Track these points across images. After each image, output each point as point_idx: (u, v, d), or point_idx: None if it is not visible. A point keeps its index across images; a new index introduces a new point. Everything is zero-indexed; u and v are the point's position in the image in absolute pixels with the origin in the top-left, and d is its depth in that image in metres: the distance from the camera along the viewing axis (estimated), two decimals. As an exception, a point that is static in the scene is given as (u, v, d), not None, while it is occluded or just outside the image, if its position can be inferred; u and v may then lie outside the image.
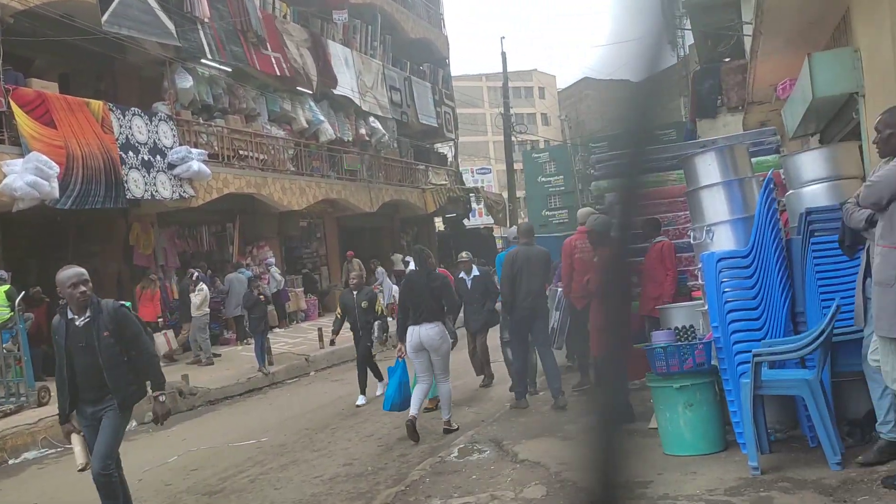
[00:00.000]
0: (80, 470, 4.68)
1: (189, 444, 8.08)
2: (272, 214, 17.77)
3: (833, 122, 7.82)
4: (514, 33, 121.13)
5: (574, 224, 10.19)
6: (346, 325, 9.45)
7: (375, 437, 7.30)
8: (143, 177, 12.90)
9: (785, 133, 9.48)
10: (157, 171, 13.25)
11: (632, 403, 6.13)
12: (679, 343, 4.96)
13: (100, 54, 13.44)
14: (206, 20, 15.14)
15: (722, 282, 4.82)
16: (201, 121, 15.44)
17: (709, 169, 5.37)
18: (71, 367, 4.61)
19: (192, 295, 13.01)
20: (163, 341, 13.64)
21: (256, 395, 11.08)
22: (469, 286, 9.19)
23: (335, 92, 19.97)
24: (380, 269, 19.04)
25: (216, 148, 15.32)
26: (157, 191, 13.13)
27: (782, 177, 6.01)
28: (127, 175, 12.51)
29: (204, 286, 13.15)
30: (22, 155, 10.67)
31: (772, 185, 5.03)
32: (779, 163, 6.68)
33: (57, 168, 10.89)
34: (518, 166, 34.13)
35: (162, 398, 4.83)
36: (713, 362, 4.84)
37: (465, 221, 29.67)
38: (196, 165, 13.59)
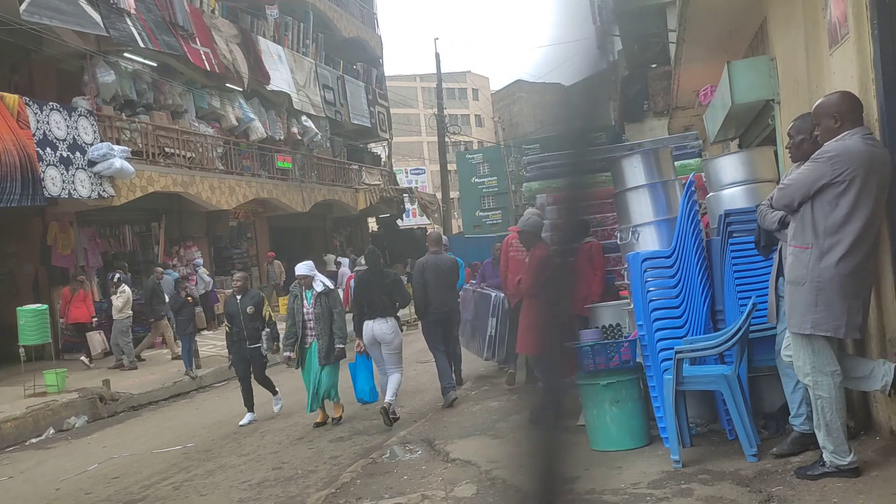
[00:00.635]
0: None
1: (110, 451, 7.79)
2: (200, 214, 17.32)
3: (751, 127, 8.13)
4: (449, 35, 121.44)
5: (507, 224, 10.34)
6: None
7: (306, 441, 7.20)
8: (62, 174, 12.36)
9: (707, 137, 9.81)
10: (77, 169, 12.71)
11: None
12: (606, 341, 5.08)
13: (14, 46, 12.79)
14: (133, 11, 14.64)
15: (647, 281, 4.96)
16: (124, 116, 14.91)
17: (635, 172, 5.51)
18: None
19: (113, 297, 12.61)
20: (99, 339, 13.33)
21: (183, 399, 10.77)
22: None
23: (269, 89, 19.62)
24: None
25: (140, 145, 14.82)
26: (75, 189, 12.59)
27: (704, 180, 6.21)
28: (44, 172, 11.95)
29: (126, 288, 12.73)
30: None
31: (693, 188, 5.20)
32: (700, 166, 6.91)
33: (-33, 164, 10.34)
34: (452, 167, 34.31)
35: None
36: (638, 359, 4.97)
37: (399, 222, 29.62)
38: (118, 163, 13.10)
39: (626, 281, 5.86)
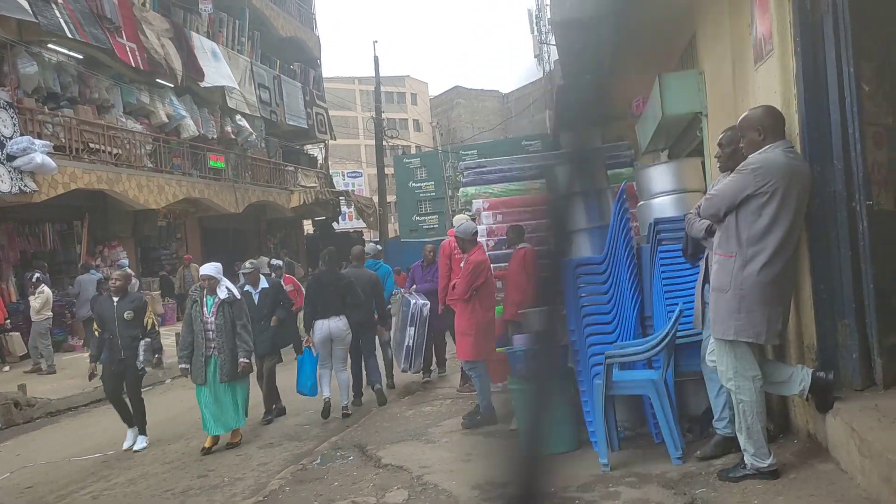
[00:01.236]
0: None
1: (24, 459, 7.41)
2: (126, 213, 16.71)
3: (680, 138, 8.36)
4: (388, 38, 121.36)
5: (444, 229, 10.40)
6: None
7: (234, 448, 7.00)
8: (-23, 168, 11.74)
9: (639, 147, 10.05)
10: (-6, 163, 12.09)
11: (494, 406, 6.28)
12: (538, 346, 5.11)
13: (-74, 31, 12.12)
14: (60, 0, 14.04)
15: (579, 287, 5.03)
16: (47, 110, 14.26)
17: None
18: None
19: (31, 298, 12.04)
20: (20, 342, 12.87)
21: (104, 405, 10.31)
22: (256, 300, 7.98)
23: (203, 85, 19.10)
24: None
25: (63, 140, 14.18)
26: (-8, 184, 11.97)
27: (635, 188, 6.35)
28: (-43, 165, 11.33)
29: (45, 288, 12.17)
30: None
31: (625, 196, 5.31)
32: (632, 175, 7.07)
33: None
34: (389, 171, 34.16)
35: None
36: (569, 364, 5.03)
37: (335, 225, 29.31)
38: (39, 158, 12.50)
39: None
